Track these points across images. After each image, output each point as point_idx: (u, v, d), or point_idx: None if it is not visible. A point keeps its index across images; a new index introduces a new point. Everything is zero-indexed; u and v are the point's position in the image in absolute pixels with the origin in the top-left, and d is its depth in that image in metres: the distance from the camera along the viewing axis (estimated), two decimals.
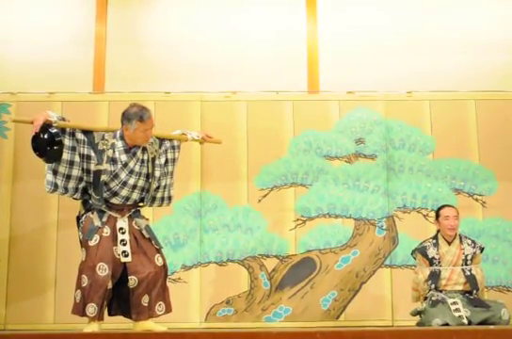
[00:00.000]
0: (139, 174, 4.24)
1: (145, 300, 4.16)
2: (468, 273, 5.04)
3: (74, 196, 4.25)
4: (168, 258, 5.89)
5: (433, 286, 5.01)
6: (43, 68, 6.44)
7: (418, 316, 5.06)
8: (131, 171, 4.21)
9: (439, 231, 5.20)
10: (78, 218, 4.32)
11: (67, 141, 4.13)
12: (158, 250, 4.31)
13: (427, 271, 5.08)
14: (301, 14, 6.67)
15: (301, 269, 6.03)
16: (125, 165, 4.21)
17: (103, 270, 4.07)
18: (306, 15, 6.65)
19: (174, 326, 4.41)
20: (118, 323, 4.47)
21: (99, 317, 4.10)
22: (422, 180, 6.18)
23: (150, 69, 6.53)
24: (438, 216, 5.22)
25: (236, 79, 6.46)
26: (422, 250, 5.15)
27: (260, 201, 6.12)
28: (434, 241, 5.16)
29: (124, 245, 4.14)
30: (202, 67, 6.52)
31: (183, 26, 6.65)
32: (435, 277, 5.03)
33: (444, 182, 6.19)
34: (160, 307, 4.21)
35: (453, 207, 5.27)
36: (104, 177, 4.16)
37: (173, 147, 4.43)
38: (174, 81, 6.45)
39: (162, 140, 4.40)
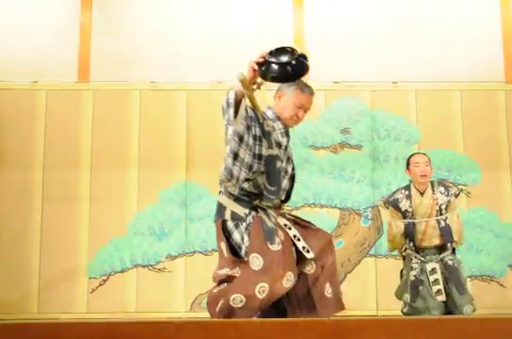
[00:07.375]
0: (290, 160, 3.57)
1: (328, 291, 3.48)
2: (443, 224, 4.81)
3: (236, 192, 3.42)
4: (153, 247, 5.95)
5: (411, 245, 4.81)
6: (28, 56, 6.38)
7: (402, 302, 4.93)
8: (288, 158, 3.54)
9: (411, 181, 4.94)
10: (223, 222, 3.52)
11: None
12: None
13: (402, 225, 4.87)
14: (287, 2, 6.64)
15: None
16: (285, 149, 3.50)
17: (288, 281, 3.33)
18: (292, 4, 6.63)
19: (158, 315, 4.41)
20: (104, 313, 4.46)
21: None
22: None
23: (135, 58, 6.48)
24: (408, 164, 4.92)
25: (222, 68, 6.41)
26: (394, 203, 4.93)
27: None
28: (406, 192, 4.91)
29: (298, 240, 3.43)
30: (188, 56, 6.48)
31: (168, 15, 6.61)
32: (410, 232, 4.81)
33: None
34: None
35: (424, 154, 5.02)
36: (278, 164, 3.39)
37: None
38: (160, 70, 6.41)
39: None
